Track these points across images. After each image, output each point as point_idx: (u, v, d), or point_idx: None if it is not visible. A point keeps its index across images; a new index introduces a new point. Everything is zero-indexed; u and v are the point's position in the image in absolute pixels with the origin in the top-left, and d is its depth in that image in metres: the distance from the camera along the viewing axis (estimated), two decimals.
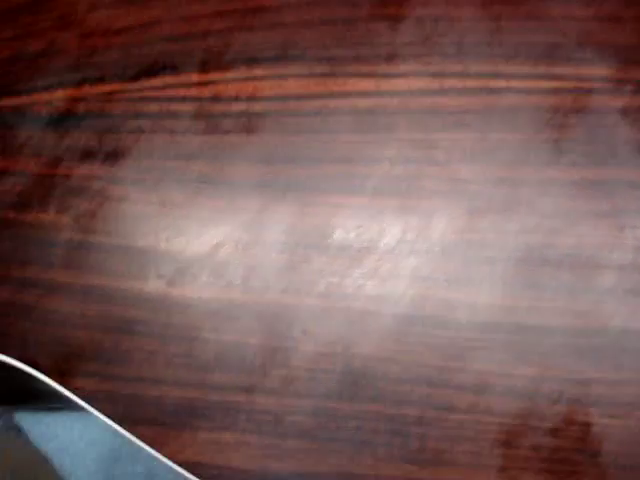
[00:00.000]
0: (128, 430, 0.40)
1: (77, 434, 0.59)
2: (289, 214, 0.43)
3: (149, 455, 0.41)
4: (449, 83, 0.41)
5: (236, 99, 0.47)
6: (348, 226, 0.41)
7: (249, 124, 0.46)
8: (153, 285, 0.43)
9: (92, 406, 0.41)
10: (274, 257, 0.42)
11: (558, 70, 0.40)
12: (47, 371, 0.43)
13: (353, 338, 0.39)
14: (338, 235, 0.41)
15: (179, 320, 0.42)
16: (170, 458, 0.39)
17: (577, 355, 0.37)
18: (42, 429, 0.59)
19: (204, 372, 0.40)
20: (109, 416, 0.41)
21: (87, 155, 0.48)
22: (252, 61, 0.46)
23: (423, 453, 0.36)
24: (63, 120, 0.50)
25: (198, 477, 0.38)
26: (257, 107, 0.46)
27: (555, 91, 0.40)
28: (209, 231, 0.44)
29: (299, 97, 0.46)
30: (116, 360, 0.42)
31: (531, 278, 0.38)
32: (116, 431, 0.42)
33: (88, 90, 0.50)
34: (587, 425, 0.36)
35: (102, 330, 0.43)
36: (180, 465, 0.39)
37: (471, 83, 0.41)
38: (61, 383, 0.42)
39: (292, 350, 0.40)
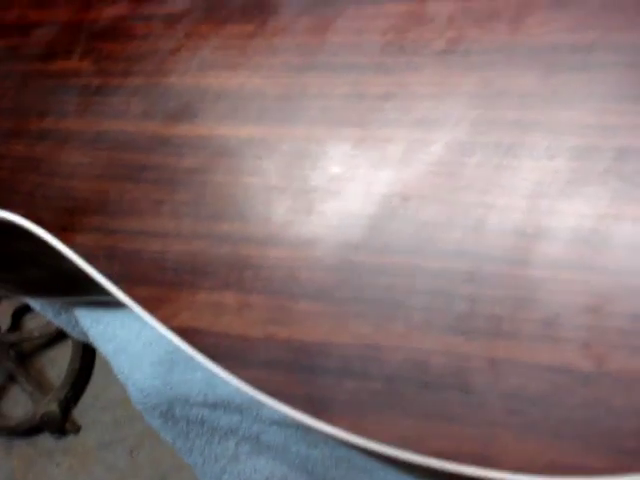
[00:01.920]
0: (125, 292, 0.32)
1: (135, 335, 0.53)
2: (325, 29, 0.33)
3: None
4: None
5: None
6: None
7: None
8: (169, 126, 0.35)
9: (90, 263, 0.34)
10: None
11: None
12: (50, 227, 0.36)
13: (393, 175, 0.29)
14: None
15: (190, 162, 0.33)
16: (163, 323, 0.30)
17: None
18: (101, 329, 0.53)
19: (212, 221, 0.32)
20: (107, 275, 0.33)
21: None
22: None
23: (473, 320, 0.26)
24: None
25: (193, 345, 0.29)
26: None
27: None
28: (235, 60, 0.35)
29: None
30: (120, 212, 0.34)
31: None
32: None
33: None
34: None
35: (109, 179, 0.35)
36: (173, 331, 0.30)
37: None
38: (62, 239, 0.35)
39: (317, 191, 0.30)
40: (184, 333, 0.31)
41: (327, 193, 0.31)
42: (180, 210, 0.33)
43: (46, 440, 1.36)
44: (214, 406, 0.54)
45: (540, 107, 0.28)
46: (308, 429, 0.53)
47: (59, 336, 1.36)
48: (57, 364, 1.40)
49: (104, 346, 0.55)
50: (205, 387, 0.53)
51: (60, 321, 0.63)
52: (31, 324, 1.39)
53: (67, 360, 1.33)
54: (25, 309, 1.35)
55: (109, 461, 1.31)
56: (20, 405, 1.38)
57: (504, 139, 0.29)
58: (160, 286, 0.32)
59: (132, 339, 0.54)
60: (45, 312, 0.63)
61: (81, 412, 1.36)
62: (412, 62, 0.31)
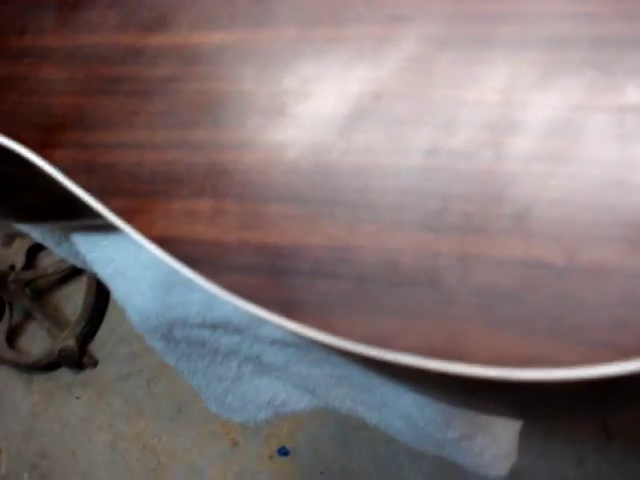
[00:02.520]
0: (102, 202, 0.32)
1: (132, 258, 0.53)
2: None
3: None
4: None
5: None
6: None
7: None
8: (143, 37, 0.34)
9: (69, 178, 0.33)
10: None
11: None
12: (31, 144, 0.36)
13: (364, 73, 0.28)
14: None
15: (162, 72, 0.32)
16: (142, 233, 0.30)
17: None
18: (98, 253, 0.53)
19: (187, 129, 0.31)
20: (86, 189, 0.33)
21: None
22: None
23: (444, 217, 0.25)
24: None
25: (170, 254, 0.29)
26: None
27: None
28: None
29: None
30: (97, 126, 0.34)
31: None
32: None
33: None
34: None
35: (86, 94, 0.35)
36: (151, 241, 0.30)
37: None
38: (42, 156, 0.35)
39: (290, 94, 0.30)
40: (161, 242, 0.31)
41: (300, 95, 0.30)
42: (155, 120, 0.33)
43: (65, 374, 1.38)
44: (213, 327, 0.55)
45: None
46: (308, 348, 0.53)
47: (73, 272, 1.38)
48: (72, 300, 1.43)
49: (102, 270, 0.55)
50: (203, 308, 0.53)
51: (61, 250, 0.63)
52: (45, 261, 1.41)
53: (82, 296, 1.35)
54: (38, 247, 1.36)
55: (127, 393, 1.34)
56: (38, 341, 1.41)
57: (478, 32, 0.28)
58: (137, 197, 0.32)
59: (129, 263, 0.54)
60: (47, 242, 0.63)
61: (98, 346, 1.38)
62: None
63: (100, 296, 1.32)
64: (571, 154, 0.25)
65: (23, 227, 0.59)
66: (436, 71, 0.28)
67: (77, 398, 1.38)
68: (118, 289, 0.55)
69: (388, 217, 0.27)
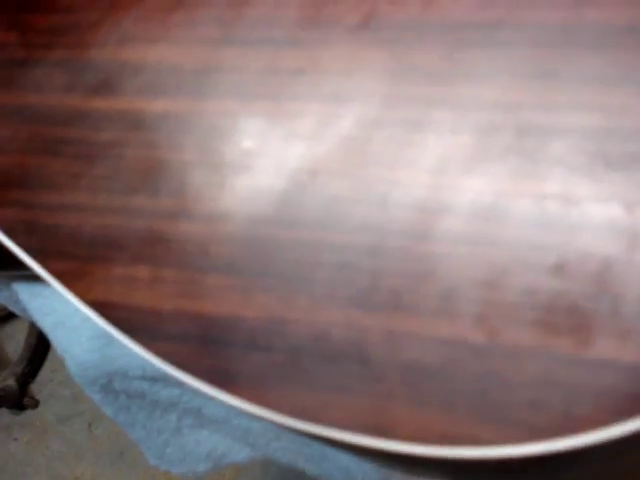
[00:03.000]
0: (42, 266, 0.32)
1: (73, 309, 0.52)
2: None
3: None
4: None
5: None
6: None
7: None
8: (89, 99, 0.35)
9: (9, 238, 0.33)
10: None
11: None
12: None
13: (302, 149, 0.29)
14: None
15: (106, 137, 0.33)
16: (79, 297, 0.31)
17: None
18: (39, 302, 0.53)
19: (127, 195, 0.32)
20: (25, 249, 0.33)
21: None
22: None
23: (374, 294, 0.26)
24: None
25: (107, 319, 0.29)
26: None
27: None
28: (156, 47, 0.35)
29: None
30: (40, 186, 0.34)
31: None
32: None
33: None
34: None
35: (30, 153, 0.35)
36: (89, 305, 0.30)
37: None
38: None
39: (230, 166, 0.30)
40: (99, 307, 0.31)
41: (239, 168, 0.31)
42: (97, 184, 0.33)
43: (3, 415, 1.35)
44: (153, 380, 0.54)
45: (446, 83, 0.29)
46: None
47: None
48: (14, 339, 1.40)
49: (43, 320, 0.55)
50: (143, 361, 0.53)
51: (2, 297, 0.63)
52: None
53: (24, 335, 1.32)
54: None
55: (67, 435, 1.31)
56: None
57: (411, 115, 0.29)
58: (76, 260, 0.32)
59: (70, 313, 0.54)
60: None
61: (39, 386, 1.35)
62: (325, 37, 0.31)
63: (42, 336, 1.29)
64: (495, 237, 0.26)
65: None
66: (371, 151, 0.29)
67: (15, 440, 1.35)
68: (58, 339, 0.54)
69: (321, 291, 0.28)
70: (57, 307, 0.54)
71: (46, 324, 0.55)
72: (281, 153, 0.30)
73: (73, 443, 1.30)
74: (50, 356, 1.37)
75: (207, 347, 0.28)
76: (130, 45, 0.36)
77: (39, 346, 1.30)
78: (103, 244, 0.32)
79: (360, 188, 0.29)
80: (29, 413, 1.35)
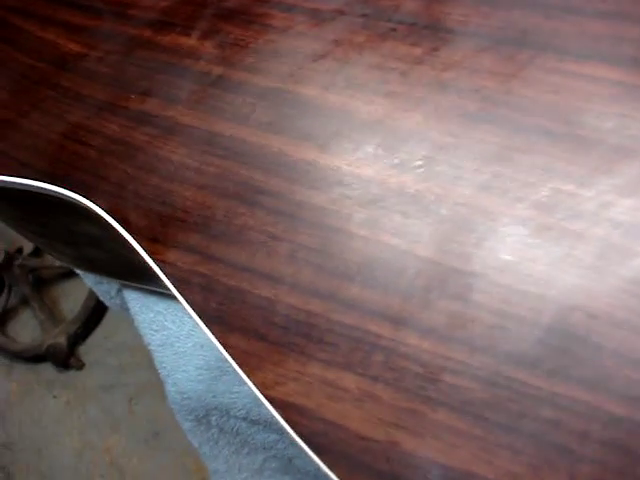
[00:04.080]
0: (218, 336, 0.27)
1: (186, 332, 0.48)
2: (513, 79, 0.27)
3: None
4: None
5: None
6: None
7: None
8: (298, 147, 0.29)
9: (180, 289, 0.28)
10: (481, 137, 0.26)
11: None
12: (138, 232, 0.30)
13: (578, 282, 0.23)
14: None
15: (323, 200, 0.28)
16: (261, 388, 0.25)
17: None
18: (150, 316, 0.48)
19: (339, 280, 0.26)
20: (199, 310, 0.27)
21: None
22: None
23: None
24: None
25: (292, 426, 0.24)
26: None
27: None
28: (392, 88, 0.29)
29: None
30: (227, 238, 0.29)
31: None
32: None
33: None
34: None
35: (217, 194, 0.30)
36: (272, 402, 0.25)
37: None
38: (150, 251, 0.30)
39: (477, 278, 0.25)
40: (285, 408, 0.25)
41: (490, 282, 0.25)
42: (300, 255, 0.28)
43: (47, 370, 1.34)
44: (254, 422, 0.50)
45: None
46: None
47: None
48: (72, 297, 1.38)
49: (150, 335, 0.50)
50: (251, 403, 0.48)
51: (98, 289, 0.58)
52: None
53: (83, 295, 1.29)
54: None
55: (106, 404, 1.29)
56: (28, 330, 1.36)
57: None
58: (263, 342, 0.27)
59: (182, 336, 0.49)
60: (85, 277, 0.58)
61: (88, 350, 1.33)
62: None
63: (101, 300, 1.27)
64: None
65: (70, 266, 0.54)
66: None
67: (55, 397, 1.34)
68: (163, 359, 0.49)
69: (588, 470, 0.22)
70: (169, 326, 0.49)
71: (153, 340, 0.50)
72: (548, 278, 0.24)
73: (110, 413, 1.27)
74: (104, 321, 1.34)
75: None
76: (360, 94, 0.30)
77: (96, 309, 1.28)
78: (301, 333, 0.27)
79: None
80: (72, 374, 1.33)
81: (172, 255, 0.30)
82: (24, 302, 1.34)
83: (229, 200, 0.30)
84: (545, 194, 0.26)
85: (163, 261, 0.30)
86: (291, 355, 0.26)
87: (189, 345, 0.49)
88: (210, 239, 0.30)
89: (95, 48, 0.38)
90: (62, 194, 0.35)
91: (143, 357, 1.29)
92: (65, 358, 1.26)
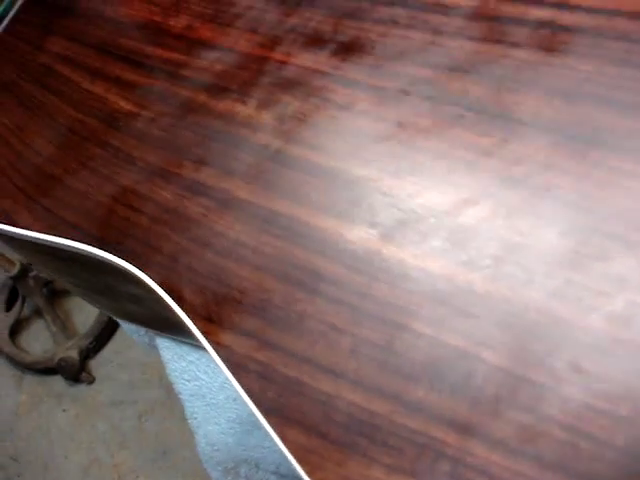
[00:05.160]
0: (275, 427, 0.26)
1: (218, 384, 0.47)
2: (586, 179, 0.26)
3: None
4: None
5: (538, 2, 0.30)
6: None
7: (551, 40, 0.30)
8: (361, 234, 0.29)
9: (236, 375, 0.28)
10: (552, 240, 0.26)
11: None
12: (192, 310, 0.30)
13: None
14: None
15: (387, 293, 0.27)
16: None
17: None
18: (182, 365, 0.47)
19: (403, 381, 0.26)
20: (256, 399, 0.27)
21: (314, 42, 0.34)
22: None
23: None
24: None
25: None
26: (567, 18, 0.30)
27: None
28: (459, 179, 0.29)
29: (634, 15, 0.29)
30: (285, 324, 0.28)
31: None
32: None
33: None
34: None
35: (276, 277, 0.29)
36: None
37: None
38: (203, 331, 0.29)
39: (548, 389, 0.24)
40: None
41: (561, 395, 0.24)
42: (363, 350, 0.27)
43: (58, 383, 1.33)
44: (283, 476, 0.49)
45: None
46: None
47: None
48: (85, 310, 1.37)
49: (181, 385, 0.49)
50: (281, 457, 0.47)
51: (128, 327, 0.58)
52: None
53: (96, 309, 1.29)
54: None
55: (116, 420, 1.28)
56: (40, 343, 1.36)
57: None
58: (324, 440, 0.27)
59: (214, 388, 0.48)
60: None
61: (99, 364, 1.33)
62: None
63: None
64: None
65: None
66: None
67: (64, 411, 1.33)
68: (193, 409, 0.49)
69: None
70: (201, 377, 0.49)
71: (184, 390, 0.49)
72: (627, 396, 0.24)
73: (120, 430, 1.27)
74: (116, 337, 1.34)
75: None
76: (429, 186, 0.29)
77: (109, 324, 1.28)
78: (364, 433, 0.26)
79: None
80: (83, 388, 1.33)
81: (228, 338, 0.30)
82: (37, 314, 1.34)
83: (287, 284, 0.30)
84: (620, 305, 0.25)
85: (218, 343, 0.30)
86: (354, 456, 0.26)
87: (221, 397, 0.48)
88: (268, 324, 0.29)
89: (147, 108, 0.37)
90: (112, 261, 0.34)
91: (154, 374, 1.28)
92: (76, 372, 1.26)
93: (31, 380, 1.35)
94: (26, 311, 1.35)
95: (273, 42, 0.36)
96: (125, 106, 0.38)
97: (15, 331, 1.34)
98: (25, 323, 1.36)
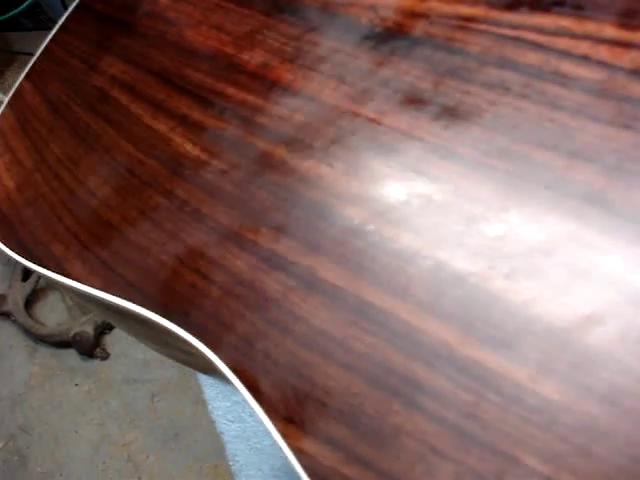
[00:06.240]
0: None
1: (265, 428, 0.44)
2: None
3: None
4: None
5: None
6: None
7: None
8: (470, 344, 0.25)
9: None
10: None
11: None
12: (270, 405, 0.27)
13: None
14: None
15: (492, 416, 0.24)
16: None
17: None
18: (227, 406, 0.45)
19: None
20: None
21: (412, 101, 0.30)
22: None
23: None
24: (388, 39, 0.32)
25: None
26: None
27: None
28: (581, 290, 0.25)
29: None
30: (378, 438, 0.25)
31: None
32: None
33: (436, 5, 0.32)
34: None
35: (367, 380, 0.26)
36: None
37: None
38: (283, 432, 0.26)
39: None
40: None
41: None
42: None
43: (71, 357, 1.32)
44: None
45: None
46: None
47: None
48: None
49: (224, 425, 0.47)
50: None
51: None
52: None
53: None
54: None
55: (128, 398, 1.27)
56: (55, 315, 1.34)
57: None
58: None
59: (259, 432, 0.46)
60: None
61: (114, 341, 1.32)
62: None
63: None
64: None
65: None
66: None
67: (76, 385, 1.32)
68: (237, 452, 0.46)
69: None
70: (246, 419, 0.46)
71: (227, 431, 0.47)
72: None
73: (132, 408, 1.26)
74: None
75: None
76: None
77: None
78: None
79: None
80: (96, 364, 1.32)
81: (311, 445, 0.27)
82: (53, 286, 1.32)
83: (380, 391, 0.26)
84: None
85: (300, 450, 0.27)
86: None
87: (266, 443, 0.46)
88: (358, 436, 0.26)
89: (217, 157, 0.34)
90: (176, 333, 0.31)
91: None
92: (91, 347, 1.25)
93: (44, 352, 1.33)
94: (42, 282, 1.33)
95: (363, 96, 0.32)
96: (192, 151, 0.34)
97: (30, 302, 1.32)
98: (41, 294, 1.35)
